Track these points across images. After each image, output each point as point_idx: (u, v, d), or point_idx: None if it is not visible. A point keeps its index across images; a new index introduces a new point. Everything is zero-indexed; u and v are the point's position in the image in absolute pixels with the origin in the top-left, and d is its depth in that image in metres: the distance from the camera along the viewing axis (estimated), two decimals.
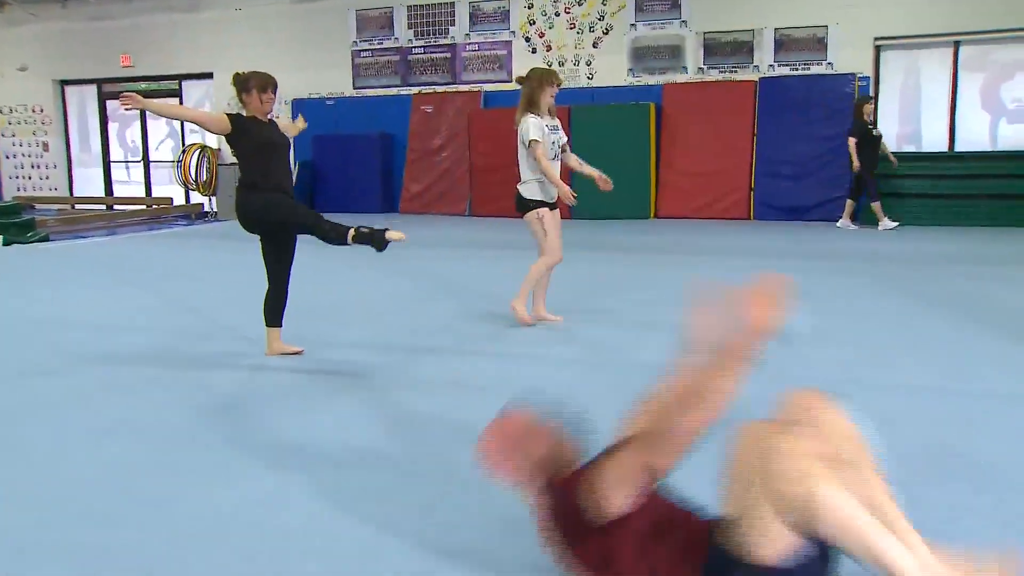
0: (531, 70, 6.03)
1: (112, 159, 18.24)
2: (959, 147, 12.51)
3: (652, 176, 13.21)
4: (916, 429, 3.77)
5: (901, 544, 1.98)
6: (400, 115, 15.02)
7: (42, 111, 18.14)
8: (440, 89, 14.94)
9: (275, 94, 5.22)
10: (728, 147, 12.97)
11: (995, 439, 3.67)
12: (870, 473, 2.18)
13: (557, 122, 6.05)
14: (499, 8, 14.51)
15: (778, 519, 1.98)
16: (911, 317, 6.15)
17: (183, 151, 16.14)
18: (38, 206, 16.83)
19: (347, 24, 15.45)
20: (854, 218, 11.77)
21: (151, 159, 17.86)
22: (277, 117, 5.54)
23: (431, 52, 15.04)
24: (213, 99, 16.64)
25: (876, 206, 11.49)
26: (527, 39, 14.38)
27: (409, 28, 15.10)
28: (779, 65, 12.99)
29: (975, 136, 12.53)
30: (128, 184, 18.23)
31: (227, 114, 5.13)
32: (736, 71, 13.23)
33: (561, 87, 6.13)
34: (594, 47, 13.98)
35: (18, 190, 18.26)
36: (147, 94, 17.51)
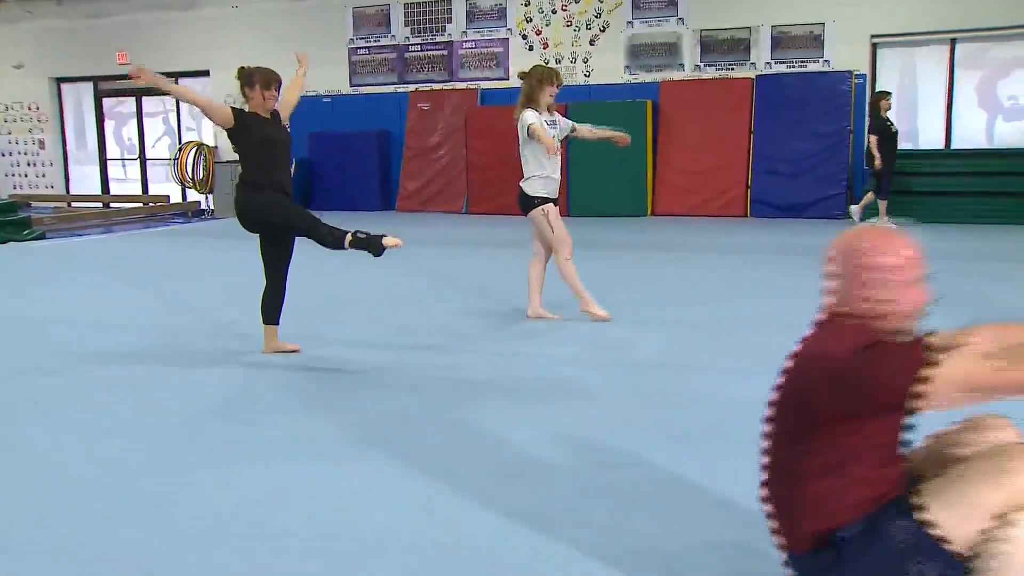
0: (534, 67, 6.04)
1: (108, 157, 18.20)
2: (955, 144, 12.52)
3: (649, 174, 13.21)
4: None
5: None
6: (397, 113, 15.02)
7: (38, 108, 18.09)
8: (437, 87, 14.93)
9: (279, 91, 5.21)
10: (725, 144, 12.98)
11: None
12: None
13: (556, 117, 6.07)
14: (496, 5, 14.50)
15: (979, 519, 1.93)
16: None
17: (180, 149, 16.12)
18: (34, 204, 16.79)
19: (344, 21, 15.43)
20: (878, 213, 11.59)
21: (147, 157, 17.83)
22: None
23: (428, 50, 15.03)
24: (210, 97, 16.61)
25: (882, 204, 11.47)
26: (524, 36, 14.37)
27: (406, 26, 15.09)
28: (776, 62, 13.00)
29: (971, 134, 12.54)
30: (124, 182, 18.19)
31: (231, 108, 5.11)
32: (733, 68, 13.23)
33: (561, 87, 6.16)
34: (591, 44, 13.97)
35: (14, 188, 18.21)
36: (144, 91, 17.58)
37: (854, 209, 11.60)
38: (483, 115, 13.94)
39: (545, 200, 5.98)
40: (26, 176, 18.42)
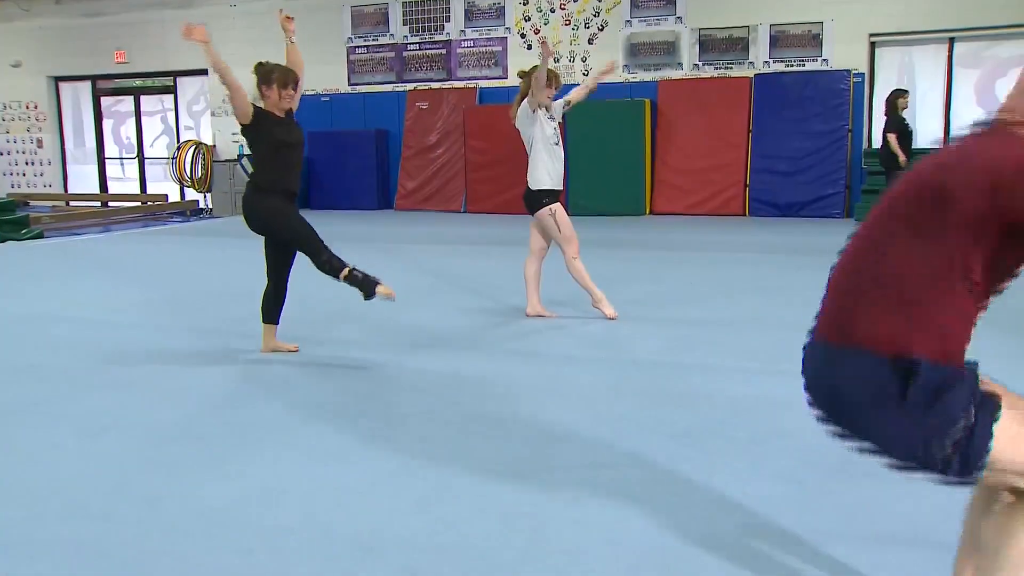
0: (534, 67, 6.06)
1: (107, 156, 18.19)
2: None
3: (647, 173, 13.21)
4: None
5: None
6: (395, 112, 15.01)
7: (36, 107, 18.08)
8: (435, 85, 14.92)
9: (296, 91, 5.17)
10: (723, 143, 12.98)
11: None
12: None
13: (552, 112, 6.08)
14: (494, 4, 14.49)
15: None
16: None
17: (178, 148, 16.11)
18: (32, 203, 16.80)
19: (342, 20, 15.42)
20: None
21: (146, 156, 17.82)
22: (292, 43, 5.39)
23: (426, 48, 15.02)
24: (208, 96, 16.61)
25: None
26: (522, 35, 14.36)
27: (404, 24, 15.08)
28: (774, 61, 13.00)
29: None
30: (123, 181, 18.17)
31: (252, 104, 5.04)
32: (731, 67, 13.23)
33: (560, 88, 6.18)
34: (589, 43, 13.97)
35: (12, 187, 18.20)
36: (142, 90, 17.58)
37: None
38: (482, 114, 13.93)
39: (551, 195, 6.01)
40: (24, 175, 18.40)
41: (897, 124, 11.05)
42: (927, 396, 1.86)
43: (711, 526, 2.89)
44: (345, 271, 4.92)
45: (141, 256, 10.33)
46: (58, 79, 18.05)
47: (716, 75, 13.30)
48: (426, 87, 14.96)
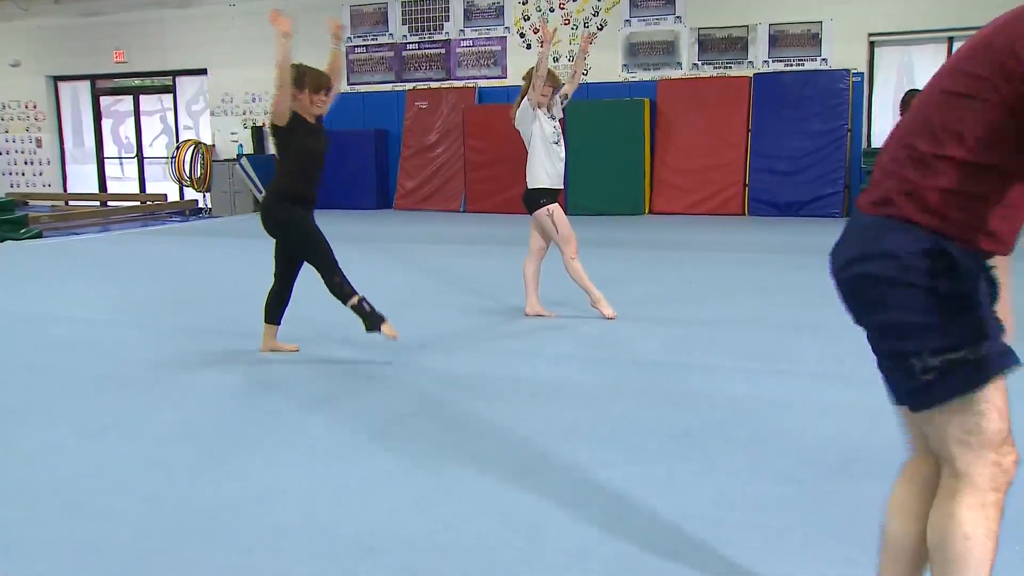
0: (533, 68, 6.09)
1: (106, 155, 18.18)
2: None
3: (646, 172, 13.20)
4: None
5: None
6: (395, 111, 15.00)
7: (35, 107, 18.07)
8: (435, 85, 14.92)
9: (328, 96, 5.12)
10: (722, 143, 12.98)
11: None
12: None
13: (552, 110, 6.12)
14: (493, 4, 14.49)
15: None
16: None
17: (177, 147, 16.11)
18: (31, 203, 16.79)
19: (341, 20, 15.38)
20: None
21: (145, 155, 17.81)
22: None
23: (425, 48, 15.01)
24: (207, 95, 16.60)
25: None
26: (521, 35, 14.36)
27: (403, 24, 15.07)
28: (773, 61, 13.00)
29: None
30: (122, 180, 18.17)
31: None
32: (730, 67, 13.23)
33: (558, 88, 6.20)
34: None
35: (11, 186, 18.19)
36: (141, 89, 17.57)
37: None
38: (481, 113, 13.93)
39: (550, 194, 6.02)
40: (23, 175, 18.39)
41: None
42: (960, 293, 1.81)
43: (711, 526, 2.89)
44: (354, 299, 4.92)
45: (140, 256, 10.32)
46: (57, 79, 18.04)
47: (715, 75, 13.30)
48: (425, 87, 14.95)
